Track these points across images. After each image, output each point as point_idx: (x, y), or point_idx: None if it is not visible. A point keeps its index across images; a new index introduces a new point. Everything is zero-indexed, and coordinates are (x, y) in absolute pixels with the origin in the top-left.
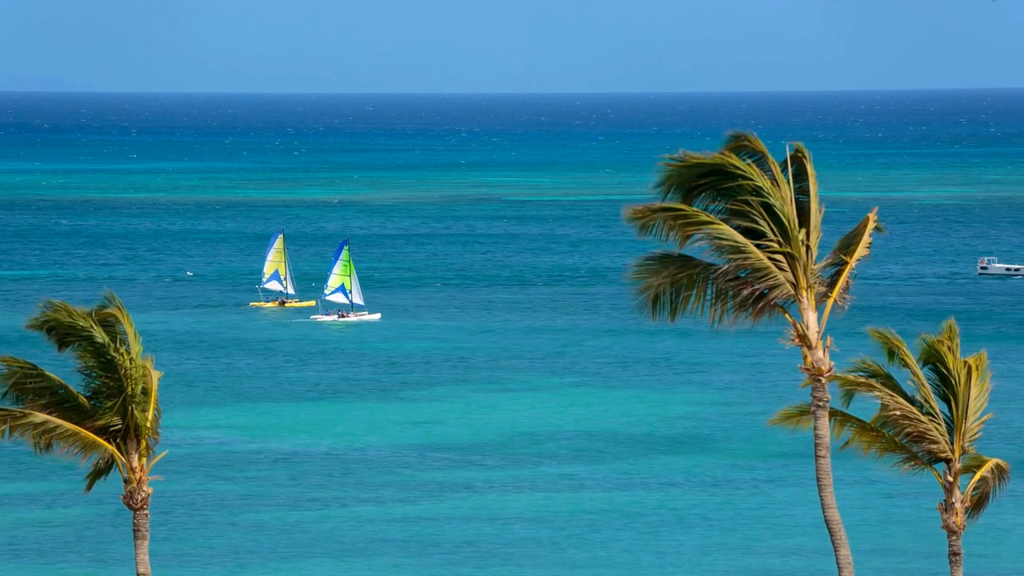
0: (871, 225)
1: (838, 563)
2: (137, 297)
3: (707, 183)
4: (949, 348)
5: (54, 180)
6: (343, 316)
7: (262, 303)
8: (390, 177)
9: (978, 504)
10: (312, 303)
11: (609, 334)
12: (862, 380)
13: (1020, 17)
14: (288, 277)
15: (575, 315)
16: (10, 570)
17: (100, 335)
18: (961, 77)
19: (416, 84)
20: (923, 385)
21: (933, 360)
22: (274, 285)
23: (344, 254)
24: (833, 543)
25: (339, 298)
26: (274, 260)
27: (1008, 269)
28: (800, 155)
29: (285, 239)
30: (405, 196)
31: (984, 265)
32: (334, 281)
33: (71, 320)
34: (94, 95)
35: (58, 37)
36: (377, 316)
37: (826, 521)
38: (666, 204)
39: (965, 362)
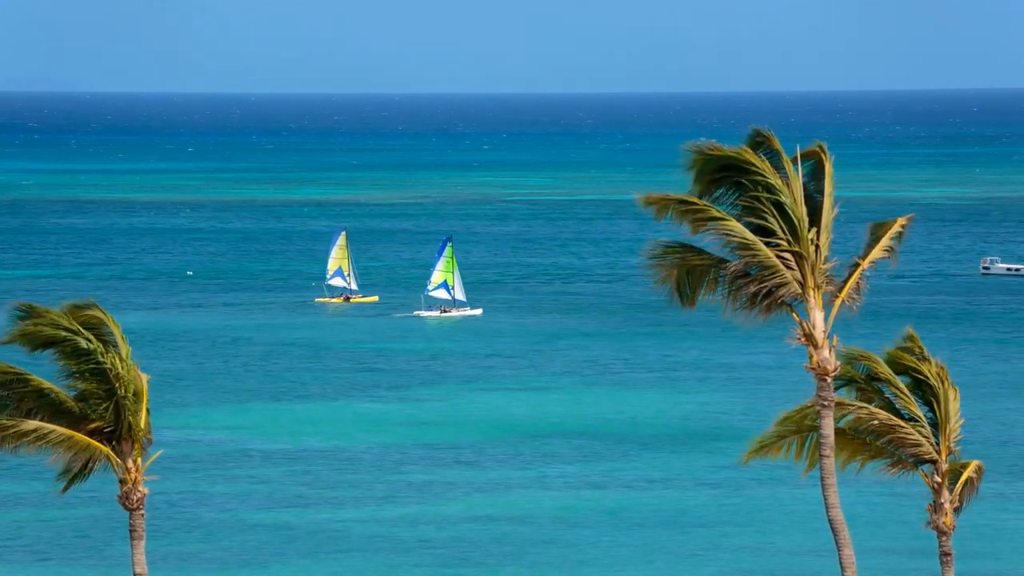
0: (894, 229)
1: (841, 563)
2: (149, 296)
3: (724, 176)
4: (921, 355)
5: (54, 180)
6: (445, 312)
7: (327, 299)
8: (386, 177)
9: (961, 500)
10: (375, 299)
11: (606, 334)
12: (841, 400)
13: (1020, 17)
14: (351, 273)
15: (573, 315)
16: (10, 570)
17: (85, 341)
18: (961, 77)
19: (414, 85)
20: (903, 392)
21: (905, 370)
22: (337, 281)
23: (447, 251)
24: (836, 543)
25: (441, 294)
26: (337, 257)
27: (1010, 269)
28: (820, 153)
29: (348, 236)
30: (402, 196)
31: (986, 265)
32: (437, 277)
33: (52, 331)
34: (93, 95)
35: (58, 37)
36: (479, 311)
37: (829, 521)
38: (680, 196)
39: (939, 364)
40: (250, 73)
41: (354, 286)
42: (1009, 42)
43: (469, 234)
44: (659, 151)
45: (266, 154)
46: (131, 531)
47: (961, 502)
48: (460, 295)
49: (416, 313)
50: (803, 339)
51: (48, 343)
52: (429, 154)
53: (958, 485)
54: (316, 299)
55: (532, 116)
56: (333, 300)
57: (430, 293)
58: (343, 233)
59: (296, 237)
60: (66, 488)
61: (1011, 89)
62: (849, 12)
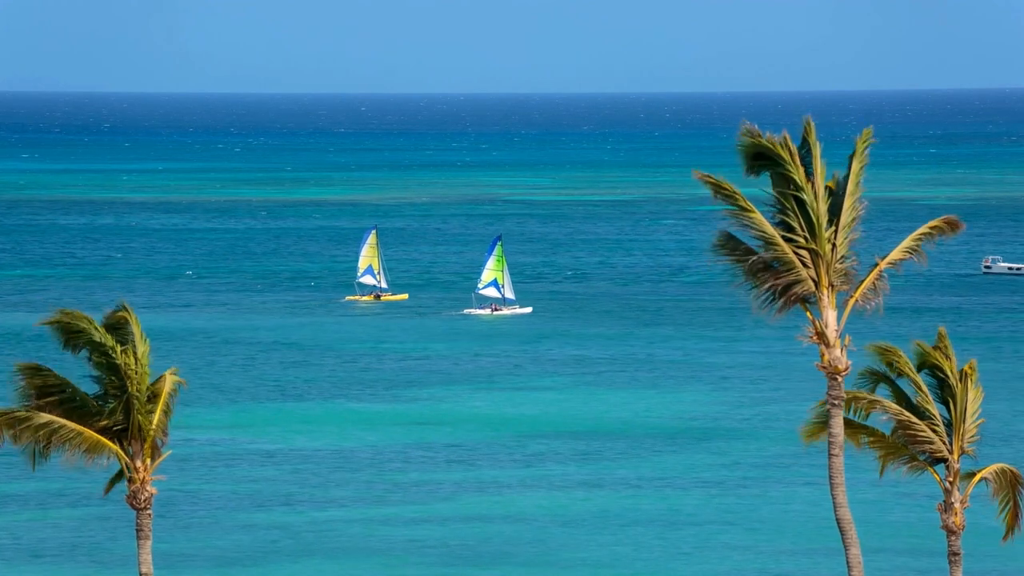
0: (921, 231)
1: (848, 562)
2: (147, 296)
3: (761, 165)
4: (945, 355)
5: (52, 180)
6: (496, 309)
7: (358, 296)
8: (383, 177)
9: (1014, 519)
10: (404, 296)
11: (599, 334)
12: (855, 394)
13: (1020, 17)
14: (381, 271)
15: (566, 315)
16: (11, 570)
17: (103, 337)
18: (961, 77)
19: (411, 85)
20: (922, 389)
21: (929, 366)
22: (368, 279)
23: (497, 250)
24: (844, 542)
25: (491, 292)
26: (367, 255)
27: (1011, 268)
28: (853, 152)
29: (378, 235)
30: (400, 196)
31: (988, 264)
32: (487, 276)
33: (76, 323)
34: (93, 95)
35: (57, 37)
36: (528, 309)
37: (837, 520)
38: (720, 181)
39: (962, 371)
40: (249, 74)
41: (383, 284)
42: (1010, 42)
43: (467, 234)
44: (658, 151)
45: (266, 154)
46: (138, 531)
47: (1016, 506)
48: (510, 293)
49: (467, 311)
50: (815, 337)
51: (74, 334)
52: (427, 154)
53: (970, 485)
54: (346, 297)
55: (531, 116)
56: (364, 298)
57: (480, 291)
58: (373, 231)
59: (296, 237)
60: (107, 490)
61: (1011, 89)
62: (847, 13)
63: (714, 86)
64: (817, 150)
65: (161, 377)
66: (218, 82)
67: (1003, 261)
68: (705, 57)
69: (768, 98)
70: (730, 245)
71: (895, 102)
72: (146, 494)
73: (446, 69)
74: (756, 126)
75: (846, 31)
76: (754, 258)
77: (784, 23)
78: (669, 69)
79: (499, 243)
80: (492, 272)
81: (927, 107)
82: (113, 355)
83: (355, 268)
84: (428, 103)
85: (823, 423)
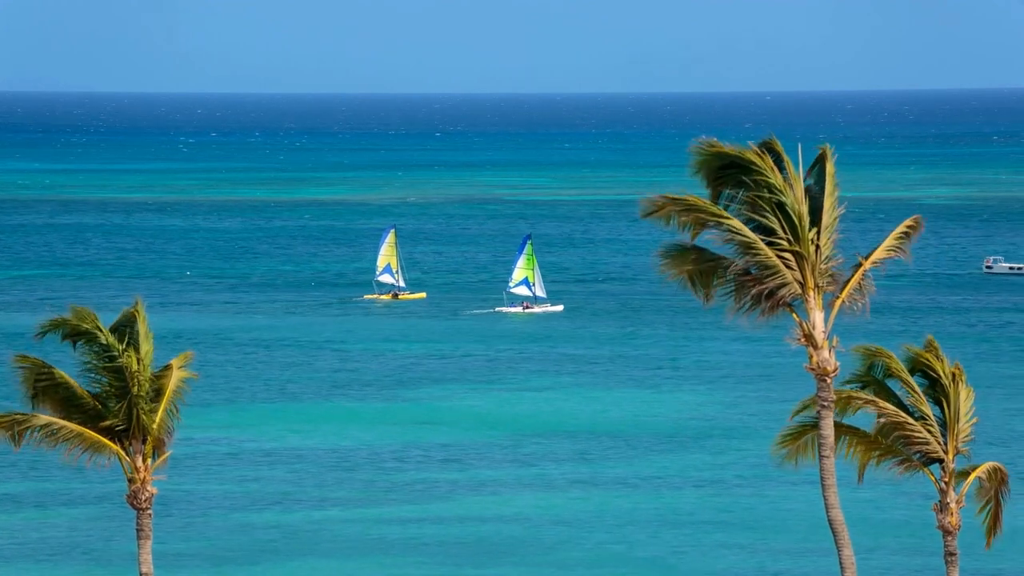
0: (900, 228)
1: (841, 563)
2: (150, 296)
3: (729, 175)
4: (936, 356)
5: (50, 180)
6: (528, 308)
7: (376, 295)
8: (382, 177)
9: (995, 518)
10: (422, 295)
11: (592, 334)
12: (850, 393)
13: (1020, 17)
14: (399, 270)
15: (560, 314)
16: (10, 570)
17: (106, 336)
18: (961, 77)
19: (411, 85)
20: (914, 390)
21: (920, 368)
22: (386, 278)
23: (527, 248)
24: (836, 543)
25: (522, 291)
26: (386, 254)
27: (1013, 268)
28: (823, 153)
29: (396, 234)
30: (399, 196)
31: (989, 264)
32: (518, 274)
33: (77, 324)
34: (90, 95)
35: (55, 38)
36: (560, 307)
37: (829, 521)
38: (678, 196)
39: (952, 372)
40: (249, 74)
41: (402, 283)
42: (1010, 42)
43: (467, 233)
44: (656, 151)
45: (264, 154)
46: (138, 531)
47: (998, 504)
48: (540, 292)
49: (498, 309)
50: (803, 340)
51: (73, 335)
52: (426, 154)
53: (965, 485)
54: (364, 295)
55: (530, 116)
56: (382, 296)
57: (511, 290)
58: (392, 230)
59: (294, 237)
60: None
61: (1010, 89)
62: (849, 13)
63: (714, 86)
64: (788, 157)
65: (169, 368)
66: (218, 82)
67: (1004, 261)
68: (705, 57)
69: (768, 98)
70: (693, 256)
71: (894, 102)
72: (147, 494)
73: (445, 69)
74: (711, 138)
75: (846, 31)
76: (734, 265)
77: (784, 23)
78: (669, 69)
79: (529, 242)
80: (523, 271)
81: (928, 107)
82: (116, 356)
83: (353, 267)
84: (427, 103)
85: (798, 434)
